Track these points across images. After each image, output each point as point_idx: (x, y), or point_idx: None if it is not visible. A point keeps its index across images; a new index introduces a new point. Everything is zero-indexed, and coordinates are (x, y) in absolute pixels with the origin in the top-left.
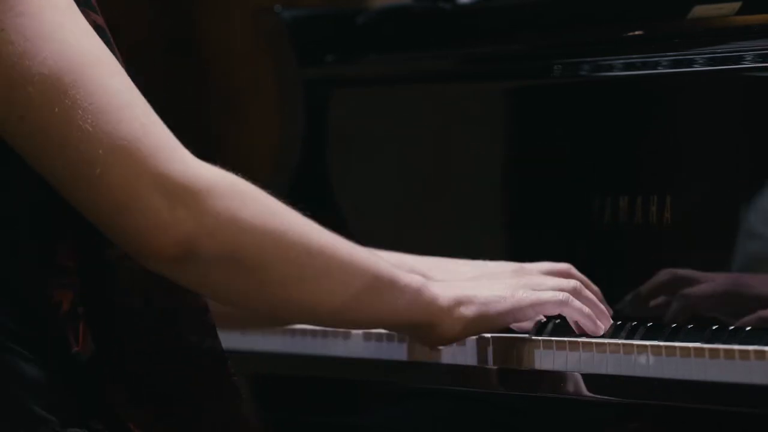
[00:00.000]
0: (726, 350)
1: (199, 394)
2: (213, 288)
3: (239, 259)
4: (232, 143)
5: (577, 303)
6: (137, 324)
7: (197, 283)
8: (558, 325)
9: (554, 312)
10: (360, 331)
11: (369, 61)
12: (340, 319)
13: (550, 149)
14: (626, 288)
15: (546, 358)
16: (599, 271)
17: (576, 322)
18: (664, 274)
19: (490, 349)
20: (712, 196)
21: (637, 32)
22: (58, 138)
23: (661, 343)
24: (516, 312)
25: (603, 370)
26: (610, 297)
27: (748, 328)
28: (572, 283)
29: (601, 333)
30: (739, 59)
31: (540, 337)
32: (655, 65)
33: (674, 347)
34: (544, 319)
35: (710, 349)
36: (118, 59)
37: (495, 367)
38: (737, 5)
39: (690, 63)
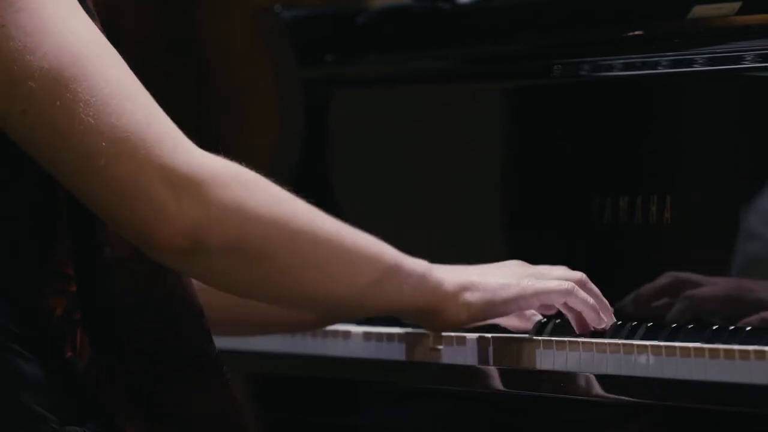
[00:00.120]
0: (726, 350)
1: (195, 398)
2: (220, 278)
3: (246, 249)
4: (232, 143)
5: (582, 293)
6: (137, 324)
7: (204, 273)
8: (558, 325)
9: (559, 301)
10: (360, 331)
11: (369, 61)
12: (345, 306)
13: (550, 149)
14: (626, 288)
15: (546, 358)
16: (599, 271)
17: (576, 319)
18: (666, 277)
19: (490, 349)
20: (712, 196)
21: (637, 32)
22: (60, 131)
23: (661, 343)
24: (520, 300)
25: (603, 370)
26: (610, 297)
27: (748, 328)
28: (578, 274)
29: (603, 326)
30: (739, 59)
31: (540, 337)
32: (655, 65)
33: (674, 347)
34: (544, 320)
35: (710, 349)
36: None
37: (495, 367)
38: (737, 5)
39: (690, 63)
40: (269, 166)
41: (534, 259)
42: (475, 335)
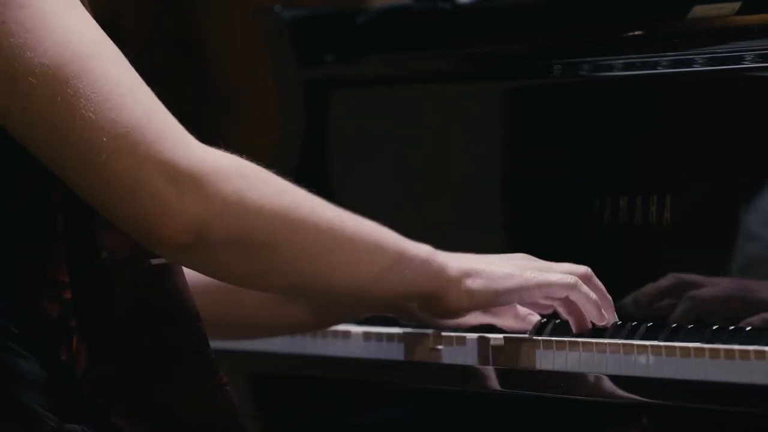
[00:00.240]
0: (726, 350)
1: (192, 401)
2: (223, 271)
3: (248, 241)
4: (232, 143)
5: (584, 288)
6: (135, 326)
7: (207, 266)
8: (558, 325)
9: (561, 295)
10: (360, 331)
11: (369, 61)
12: (349, 294)
13: (550, 149)
14: (626, 288)
15: (546, 358)
16: (599, 271)
17: (574, 319)
18: (669, 278)
19: (490, 349)
20: (712, 196)
21: (637, 32)
22: (61, 128)
23: (661, 343)
24: (522, 291)
25: (603, 370)
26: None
27: (748, 328)
28: (583, 268)
29: (604, 323)
30: (739, 59)
31: (540, 337)
32: (655, 65)
33: (674, 347)
34: (544, 320)
35: (710, 349)
36: None
37: (495, 367)
38: (737, 5)
39: (690, 63)
40: (269, 166)
41: None
42: (475, 335)
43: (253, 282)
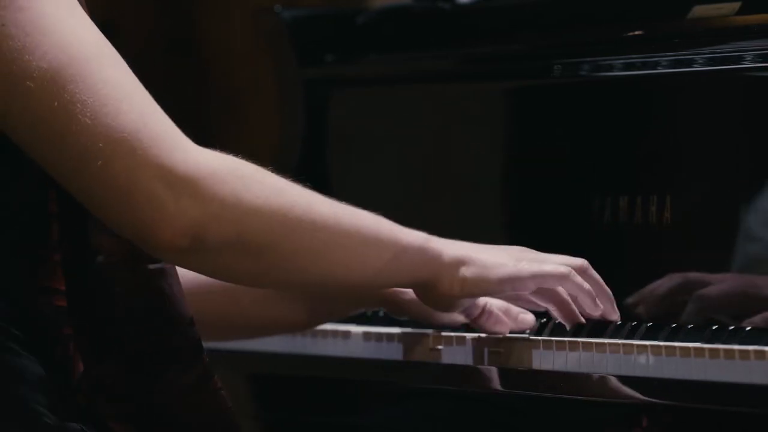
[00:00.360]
0: (726, 350)
1: (187, 404)
2: (223, 272)
3: (246, 242)
4: (232, 143)
5: (578, 278)
6: (130, 330)
7: (206, 268)
8: (558, 325)
9: (555, 285)
10: (360, 331)
11: (369, 61)
12: (350, 287)
13: (550, 149)
14: (626, 288)
15: (546, 358)
16: (599, 271)
17: (563, 313)
18: (676, 278)
19: (489, 349)
20: (712, 196)
21: (637, 32)
22: (58, 131)
23: (661, 343)
24: (516, 281)
25: (603, 370)
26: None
27: (748, 328)
28: (579, 260)
29: (599, 313)
30: (738, 59)
31: (540, 337)
32: (655, 65)
33: (674, 347)
34: (544, 320)
35: (710, 349)
36: None
37: (495, 367)
38: (737, 5)
39: (690, 63)
40: (269, 166)
41: None
42: (474, 335)
43: (252, 281)
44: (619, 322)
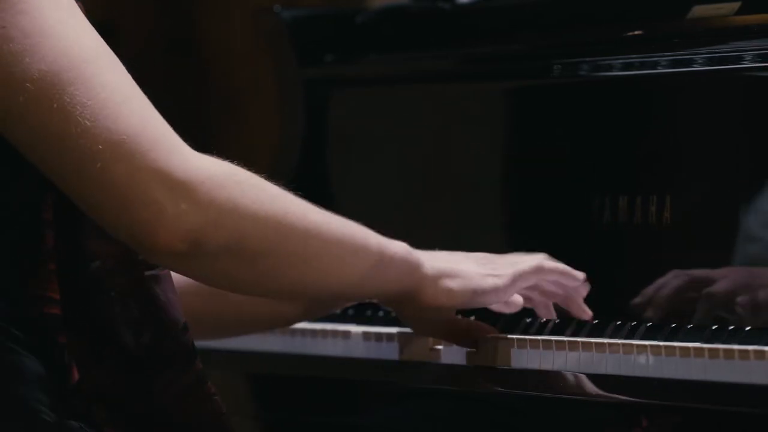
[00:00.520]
0: (726, 350)
1: (180, 411)
2: (218, 277)
3: (243, 248)
4: (232, 143)
5: (551, 263)
6: (127, 334)
7: (203, 273)
8: (557, 325)
9: (533, 280)
10: (360, 331)
11: (369, 61)
12: (339, 295)
13: (550, 149)
14: (626, 288)
15: (545, 358)
16: (599, 271)
17: (541, 305)
18: (680, 277)
19: (489, 349)
20: (711, 196)
21: (636, 32)
22: (57, 134)
23: (661, 343)
24: (499, 291)
25: (603, 370)
26: (609, 297)
27: (748, 328)
28: (541, 254)
29: (579, 282)
30: (738, 59)
31: (539, 337)
32: (655, 65)
33: (674, 347)
34: (544, 319)
35: (710, 349)
36: None
37: (494, 367)
38: (736, 5)
39: (689, 63)
40: (269, 166)
41: None
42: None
43: (247, 288)
44: (618, 322)
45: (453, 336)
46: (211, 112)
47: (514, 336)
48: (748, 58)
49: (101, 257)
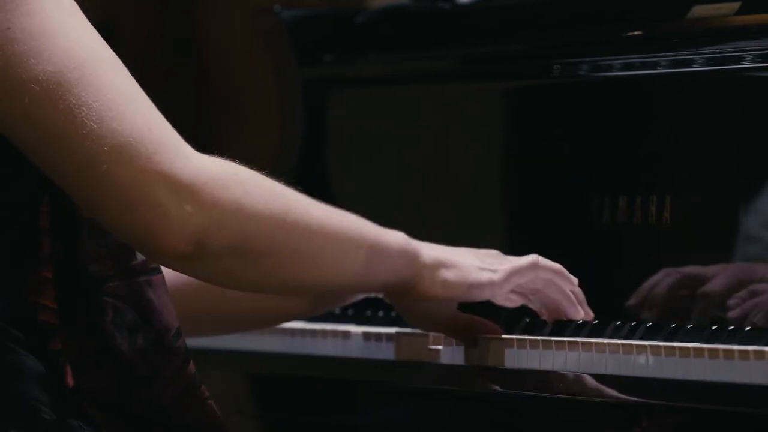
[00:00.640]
0: (725, 350)
1: (174, 415)
2: (223, 277)
3: (248, 248)
4: (232, 143)
5: (546, 261)
6: (122, 338)
7: (208, 274)
8: (557, 325)
9: (530, 276)
10: (360, 331)
11: (368, 61)
12: (340, 288)
13: (549, 149)
14: (626, 288)
15: (545, 358)
16: (598, 271)
17: (547, 307)
18: (673, 275)
19: (489, 349)
20: (711, 196)
21: (636, 32)
22: (62, 135)
23: (661, 343)
24: (494, 286)
25: (602, 370)
26: (609, 297)
27: (748, 328)
28: (535, 255)
29: (573, 285)
30: (738, 59)
31: (539, 337)
32: (655, 65)
33: (674, 347)
34: (543, 320)
35: (710, 349)
36: None
37: (494, 367)
38: (736, 5)
39: (689, 63)
40: (269, 166)
41: None
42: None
43: (250, 286)
44: (618, 323)
45: (453, 331)
46: (211, 112)
47: (514, 336)
48: (748, 58)
49: (96, 262)
